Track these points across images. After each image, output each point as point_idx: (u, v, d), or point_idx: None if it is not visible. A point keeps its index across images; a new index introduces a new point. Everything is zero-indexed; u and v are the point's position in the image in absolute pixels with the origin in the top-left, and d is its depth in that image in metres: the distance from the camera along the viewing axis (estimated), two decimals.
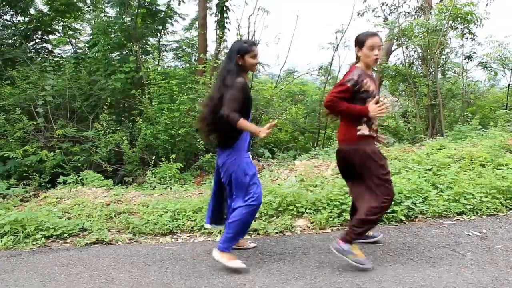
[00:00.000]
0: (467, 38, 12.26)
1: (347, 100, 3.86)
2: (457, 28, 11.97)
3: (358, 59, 3.99)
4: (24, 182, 7.41)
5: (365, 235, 4.21)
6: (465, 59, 13.16)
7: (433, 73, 12.17)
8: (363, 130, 3.91)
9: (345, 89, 3.84)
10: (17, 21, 13.00)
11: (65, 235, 5.00)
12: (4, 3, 12.17)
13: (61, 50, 14.47)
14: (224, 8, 11.90)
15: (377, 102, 3.87)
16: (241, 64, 3.95)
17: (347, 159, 3.98)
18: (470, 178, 6.03)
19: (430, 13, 13.21)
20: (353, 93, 3.85)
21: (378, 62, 4.05)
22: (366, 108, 3.84)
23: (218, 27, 12.10)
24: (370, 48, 3.87)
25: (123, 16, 11.32)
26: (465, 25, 11.68)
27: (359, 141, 3.91)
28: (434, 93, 11.98)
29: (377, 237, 4.53)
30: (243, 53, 3.95)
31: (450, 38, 12.65)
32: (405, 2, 14.37)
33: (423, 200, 5.47)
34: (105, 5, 11.85)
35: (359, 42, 3.92)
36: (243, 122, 3.75)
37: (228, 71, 3.91)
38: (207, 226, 4.45)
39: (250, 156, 4.08)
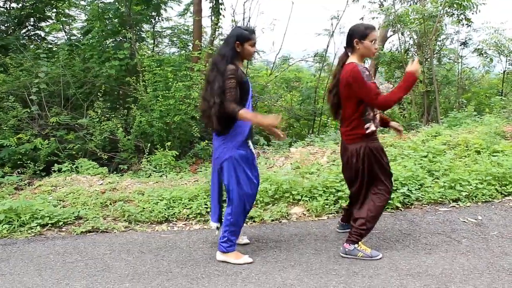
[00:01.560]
0: (463, 25, 12.23)
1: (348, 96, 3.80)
2: (453, 14, 11.94)
3: (352, 50, 3.88)
4: (19, 170, 7.37)
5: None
6: (460, 45, 13.15)
7: (428, 59, 12.15)
8: (371, 126, 3.83)
9: (374, 86, 3.74)
10: (11, 8, 12.86)
11: (61, 223, 4.98)
12: None
13: (54, 37, 14.36)
14: None
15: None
16: (238, 51, 3.84)
17: (356, 157, 3.87)
18: (466, 164, 6.04)
19: None
20: None
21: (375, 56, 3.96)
22: (410, 72, 3.73)
23: (213, 13, 12.01)
24: (372, 41, 3.79)
25: (117, 2, 11.20)
26: (461, 11, 11.65)
27: (368, 138, 3.84)
28: (430, 80, 11.98)
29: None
30: (243, 40, 3.83)
31: (446, 25, 12.63)
32: None
33: (419, 187, 5.47)
34: None
35: (360, 34, 3.80)
36: (244, 113, 3.63)
37: (222, 56, 3.79)
38: (212, 224, 4.21)
39: (251, 145, 3.95)
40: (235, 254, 3.91)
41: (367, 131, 3.80)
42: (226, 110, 3.64)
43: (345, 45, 3.95)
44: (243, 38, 3.82)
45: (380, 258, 3.85)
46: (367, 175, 3.86)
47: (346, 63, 3.85)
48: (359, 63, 3.80)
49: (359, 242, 3.91)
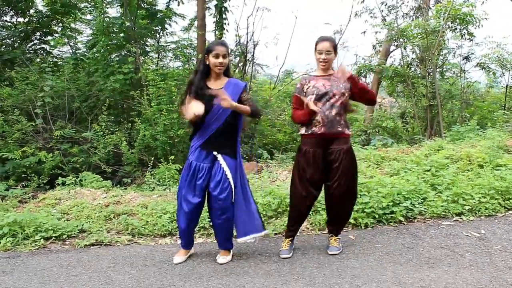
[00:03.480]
0: (465, 39, 12.29)
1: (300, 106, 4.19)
2: (456, 29, 12.00)
3: None
4: (23, 183, 7.40)
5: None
6: (463, 60, 13.19)
7: (431, 74, 12.19)
8: (302, 129, 4.25)
9: (294, 100, 4.32)
10: (17, 22, 12.99)
11: (64, 236, 5.00)
12: (4, 3, 12.16)
13: (60, 51, 14.46)
14: (223, 9, 11.89)
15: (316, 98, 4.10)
16: (207, 64, 4.00)
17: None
18: (469, 178, 6.04)
19: (428, 13, 13.23)
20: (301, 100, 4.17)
21: (323, 66, 4.20)
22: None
23: (216, 28, 12.10)
24: (318, 52, 4.16)
25: (122, 17, 11.30)
26: (463, 26, 11.71)
27: (301, 139, 4.27)
28: (433, 94, 12.02)
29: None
30: (207, 52, 4.01)
31: (448, 39, 12.69)
32: (403, 3, 14.40)
33: (422, 200, 5.48)
34: (106, 5, 11.82)
35: (315, 47, 4.22)
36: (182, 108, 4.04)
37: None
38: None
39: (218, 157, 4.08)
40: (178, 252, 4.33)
41: (299, 132, 4.30)
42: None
43: None
44: (207, 50, 4.02)
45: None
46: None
47: None
48: (309, 75, 4.41)
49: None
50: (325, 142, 4.13)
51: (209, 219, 5.04)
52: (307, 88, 4.17)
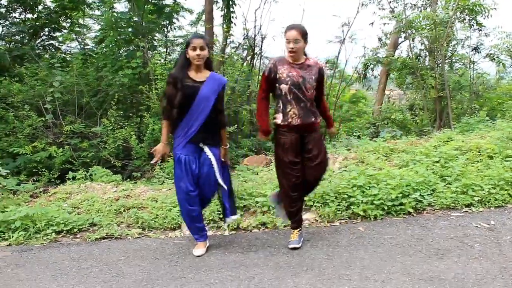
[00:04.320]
0: (474, 30, 12.21)
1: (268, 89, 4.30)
2: (464, 19, 11.92)
3: None
4: (34, 178, 7.46)
5: None
6: (472, 50, 13.11)
7: (440, 65, 12.13)
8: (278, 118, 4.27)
9: (262, 80, 4.34)
10: (26, 18, 13.05)
11: (75, 230, 5.05)
12: (13, 0, 12.22)
13: (68, 46, 14.52)
14: (230, 3, 11.88)
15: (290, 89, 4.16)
16: (188, 57, 4.11)
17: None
18: (478, 170, 6.01)
19: (437, 4, 13.14)
20: (270, 82, 4.25)
21: (292, 55, 4.22)
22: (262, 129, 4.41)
23: (224, 21, 12.09)
24: (287, 41, 4.16)
25: (130, 12, 11.32)
26: (472, 16, 11.63)
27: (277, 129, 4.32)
28: (442, 86, 11.95)
29: None
30: (186, 46, 4.14)
31: (457, 30, 12.60)
32: None
33: (431, 192, 5.47)
34: (114, 0, 11.84)
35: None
36: (163, 124, 4.26)
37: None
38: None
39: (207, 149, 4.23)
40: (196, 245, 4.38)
41: (274, 120, 4.27)
42: None
43: None
44: (186, 43, 4.16)
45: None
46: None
47: None
48: (283, 57, 4.32)
49: None
50: (300, 130, 4.24)
51: (219, 212, 5.10)
52: (281, 74, 4.17)
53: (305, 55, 4.30)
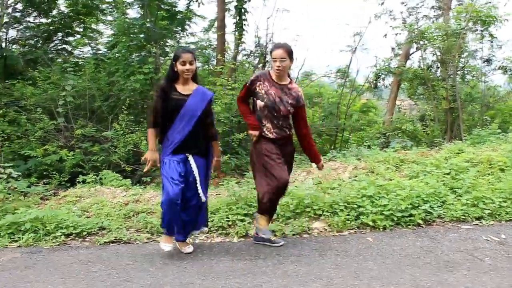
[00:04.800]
0: (486, 41, 12.17)
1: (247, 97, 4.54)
2: (476, 30, 11.89)
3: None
4: (44, 180, 7.52)
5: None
6: (483, 62, 13.06)
7: (452, 76, 12.08)
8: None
9: (243, 88, 4.51)
10: (40, 23, 13.19)
11: (84, 233, 5.06)
12: (28, 4, 12.36)
13: (80, 51, 14.66)
14: (242, 10, 11.95)
15: (265, 106, 4.36)
16: (176, 71, 4.20)
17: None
18: (489, 182, 5.98)
19: (449, 14, 13.12)
20: (250, 92, 4.46)
21: (278, 73, 4.37)
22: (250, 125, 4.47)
23: (236, 29, 12.15)
24: (273, 60, 4.32)
25: (143, 17, 11.41)
26: (484, 27, 11.59)
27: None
28: (453, 97, 11.91)
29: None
30: (175, 60, 4.21)
31: (468, 41, 12.57)
32: (423, 4, 14.27)
33: (441, 204, 5.44)
34: (127, 6, 11.95)
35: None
36: (149, 132, 4.42)
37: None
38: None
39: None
40: (165, 238, 4.37)
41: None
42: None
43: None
44: (175, 57, 4.25)
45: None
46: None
47: None
48: (268, 72, 4.46)
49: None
50: (276, 142, 4.41)
51: (227, 219, 5.11)
52: (260, 89, 4.34)
53: (289, 77, 4.48)
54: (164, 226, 4.35)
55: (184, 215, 4.33)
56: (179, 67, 4.17)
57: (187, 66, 4.18)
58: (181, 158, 4.27)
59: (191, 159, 4.30)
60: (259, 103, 4.34)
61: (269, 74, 4.41)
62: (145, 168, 4.46)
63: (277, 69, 4.30)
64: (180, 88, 4.26)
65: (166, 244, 4.30)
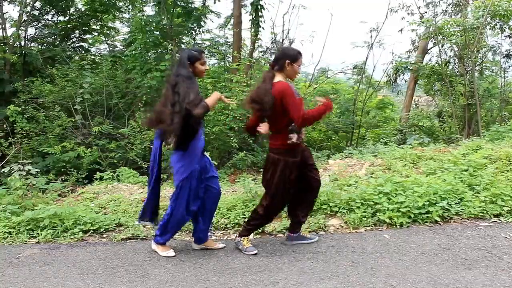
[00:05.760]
0: (506, 36, 12.01)
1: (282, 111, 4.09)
2: (495, 25, 11.73)
3: (280, 69, 4.18)
4: (62, 177, 7.60)
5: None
6: (503, 57, 12.89)
7: (470, 72, 11.95)
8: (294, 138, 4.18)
9: (301, 101, 4.11)
10: (58, 21, 13.32)
11: (102, 229, 5.12)
12: (46, 3, 12.49)
13: (97, 49, 14.78)
14: (259, 7, 11.92)
15: None
16: (191, 71, 4.13)
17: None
18: (508, 179, 5.90)
19: (467, 9, 12.96)
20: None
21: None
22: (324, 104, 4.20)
23: (252, 25, 12.14)
24: (299, 66, 4.24)
25: (159, 15, 11.46)
26: (504, 21, 11.44)
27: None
28: (471, 93, 11.77)
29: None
30: (193, 60, 4.13)
31: (487, 36, 12.41)
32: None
33: (459, 201, 5.38)
34: (143, 4, 12.02)
35: (292, 58, 4.17)
36: (205, 104, 4.00)
37: (187, 77, 4.04)
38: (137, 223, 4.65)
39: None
40: (162, 247, 4.40)
41: (290, 141, 4.14)
42: (196, 114, 3.92)
43: (273, 61, 4.30)
44: (193, 58, 4.14)
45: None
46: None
47: (274, 81, 4.13)
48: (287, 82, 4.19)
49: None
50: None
51: (243, 215, 5.12)
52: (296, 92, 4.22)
53: None
54: (167, 239, 4.42)
55: (213, 205, 4.48)
56: (200, 67, 4.16)
57: (206, 66, 4.23)
58: (205, 161, 4.30)
59: (206, 153, 4.36)
60: None
61: (286, 81, 4.24)
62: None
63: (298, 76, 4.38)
64: None
65: (168, 252, 4.38)
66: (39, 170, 6.90)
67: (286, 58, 4.15)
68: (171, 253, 4.35)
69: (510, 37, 12.23)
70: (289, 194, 4.29)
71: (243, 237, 4.44)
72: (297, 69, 4.22)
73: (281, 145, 4.15)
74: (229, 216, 5.25)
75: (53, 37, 13.27)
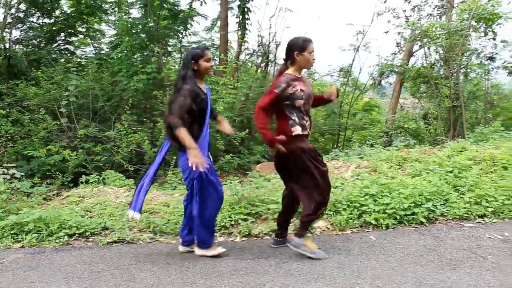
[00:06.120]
0: (489, 39, 12.15)
1: (276, 108, 4.13)
2: (479, 28, 11.86)
3: (292, 62, 4.16)
4: (48, 181, 7.55)
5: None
6: (486, 60, 13.03)
7: (455, 74, 12.05)
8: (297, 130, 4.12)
9: (273, 97, 4.07)
10: (43, 23, 13.22)
11: (87, 233, 5.08)
12: (31, 5, 12.40)
13: (83, 51, 14.69)
14: (245, 9, 11.93)
15: (306, 103, 4.15)
16: (196, 70, 4.13)
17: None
18: (492, 180, 5.96)
19: (452, 12, 13.08)
20: (280, 100, 4.10)
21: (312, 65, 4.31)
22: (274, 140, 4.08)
23: (239, 28, 12.14)
24: (310, 53, 4.14)
25: (145, 17, 11.43)
26: (488, 25, 11.57)
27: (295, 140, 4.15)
28: (456, 95, 11.88)
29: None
30: (197, 58, 4.13)
31: (471, 39, 12.54)
32: (426, 2, 14.21)
33: (444, 202, 5.43)
34: (129, 6, 11.97)
35: (300, 47, 4.12)
36: (182, 131, 3.84)
37: (181, 77, 4.08)
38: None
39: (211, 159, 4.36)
40: (210, 249, 4.35)
41: (293, 133, 4.09)
42: (167, 121, 3.98)
43: (284, 58, 4.27)
44: (197, 56, 4.13)
45: (323, 258, 4.19)
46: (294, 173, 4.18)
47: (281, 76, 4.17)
48: (292, 74, 4.15)
49: (305, 237, 4.28)
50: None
51: (230, 218, 5.11)
52: (295, 91, 4.07)
53: None
54: (211, 241, 4.37)
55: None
56: (205, 64, 4.14)
57: (212, 63, 4.21)
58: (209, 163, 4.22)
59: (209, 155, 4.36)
60: (300, 102, 4.09)
61: (290, 74, 4.17)
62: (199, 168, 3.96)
63: (313, 62, 4.23)
64: (202, 86, 4.22)
65: (218, 249, 4.35)
66: (23, 174, 6.86)
67: (294, 49, 4.12)
68: (220, 249, 4.35)
69: (494, 39, 12.37)
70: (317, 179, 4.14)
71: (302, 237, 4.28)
72: (309, 57, 4.13)
73: (289, 136, 4.09)
74: (216, 219, 5.23)
75: (38, 40, 13.16)
